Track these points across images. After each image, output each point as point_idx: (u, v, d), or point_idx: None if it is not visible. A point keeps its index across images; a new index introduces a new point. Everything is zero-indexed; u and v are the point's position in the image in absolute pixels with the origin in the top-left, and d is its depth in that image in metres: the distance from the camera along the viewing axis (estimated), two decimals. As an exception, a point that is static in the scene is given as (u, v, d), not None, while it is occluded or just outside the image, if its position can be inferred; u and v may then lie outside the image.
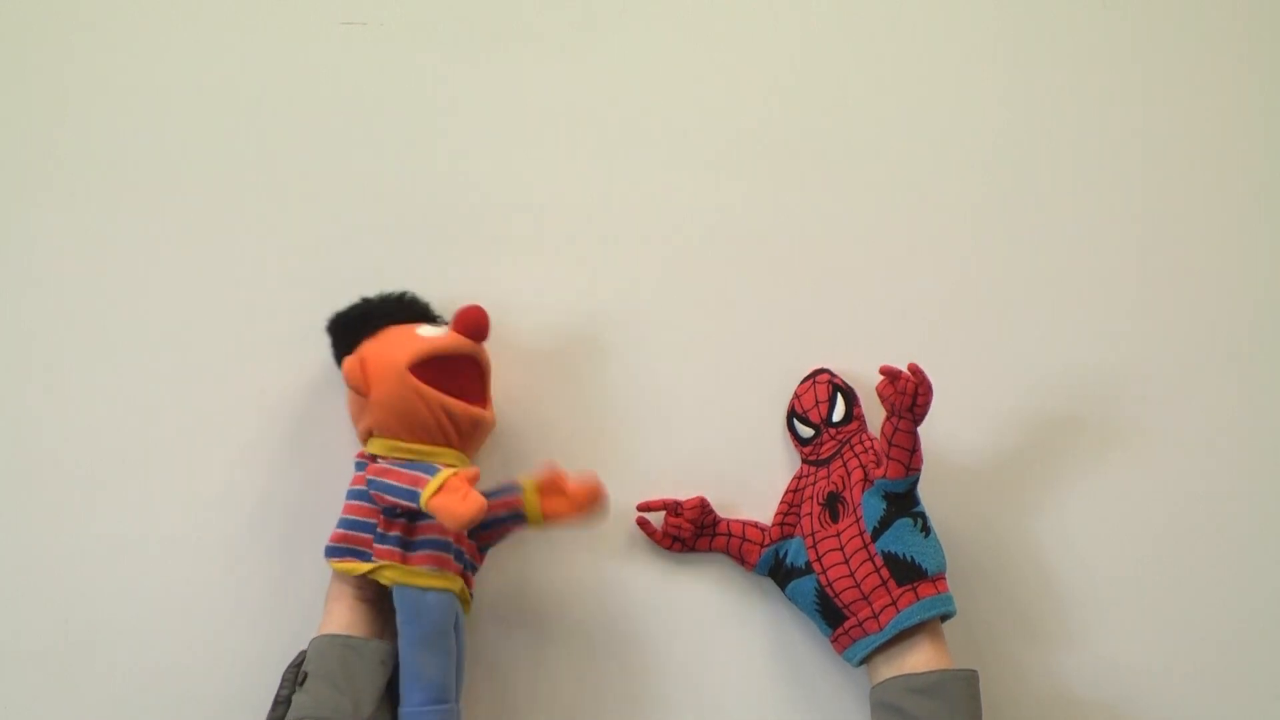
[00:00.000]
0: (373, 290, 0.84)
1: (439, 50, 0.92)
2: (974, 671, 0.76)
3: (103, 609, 0.83)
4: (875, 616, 0.77)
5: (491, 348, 0.83)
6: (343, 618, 0.76)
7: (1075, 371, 0.89)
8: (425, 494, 0.73)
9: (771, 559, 0.84)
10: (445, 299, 0.86)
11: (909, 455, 0.77)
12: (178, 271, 0.89)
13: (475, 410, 0.80)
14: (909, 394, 0.76)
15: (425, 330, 0.81)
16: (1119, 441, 0.88)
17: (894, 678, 0.76)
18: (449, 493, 0.73)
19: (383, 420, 0.79)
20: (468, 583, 0.81)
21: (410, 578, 0.76)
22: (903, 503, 0.79)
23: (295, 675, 0.74)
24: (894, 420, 0.77)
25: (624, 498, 0.85)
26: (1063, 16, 0.94)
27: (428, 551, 0.77)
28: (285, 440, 0.86)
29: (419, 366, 0.78)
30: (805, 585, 0.81)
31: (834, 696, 0.84)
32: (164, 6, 0.92)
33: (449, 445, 0.79)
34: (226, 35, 0.92)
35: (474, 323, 0.79)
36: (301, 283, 0.88)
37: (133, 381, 0.87)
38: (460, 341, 0.79)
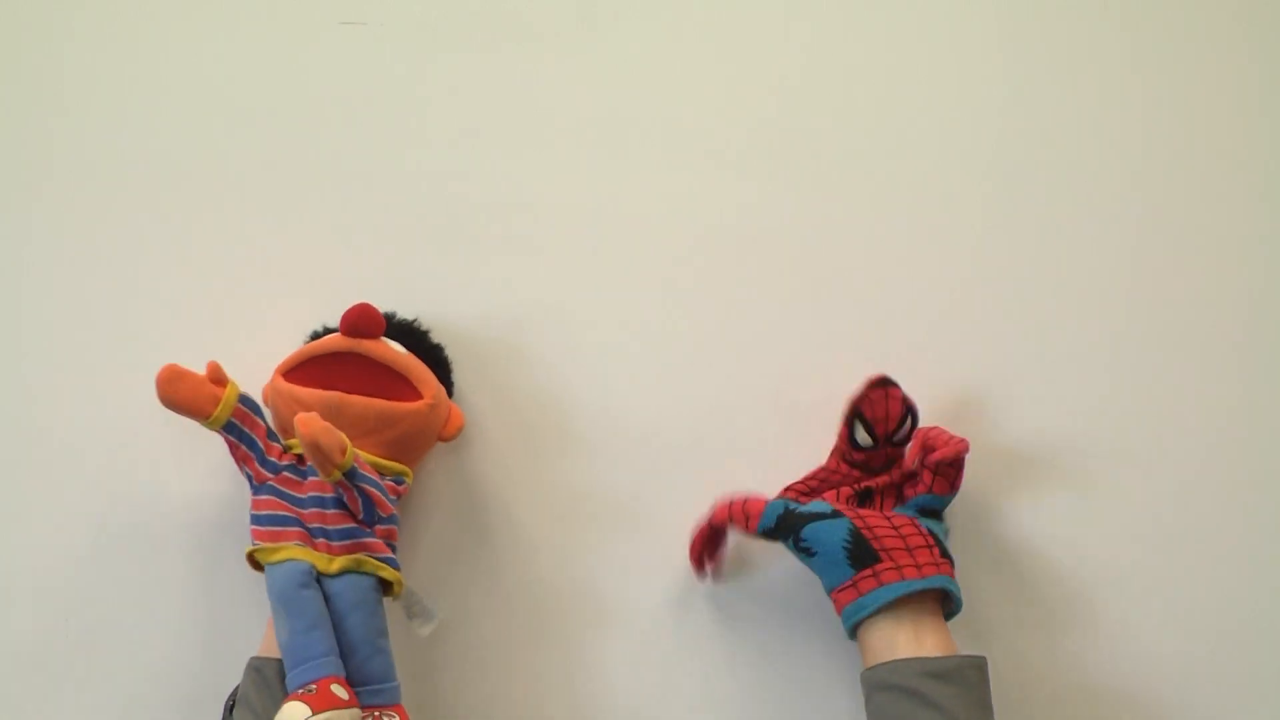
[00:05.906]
0: (368, 290, 0.84)
1: (439, 50, 0.93)
2: (984, 657, 0.74)
3: (103, 609, 0.83)
4: (917, 566, 0.75)
5: (487, 347, 0.82)
6: (269, 639, 0.76)
7: (1085, 364, 0.89)
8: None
9: (780, 509, 0.79)
10: (444, 299, 0.87)
11: (958, 475, 0.79)
12: (176, 272, 0.88)
13: (339, 398, 0.77)
14: (959, 468, 0.79)
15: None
16: (1127, 434, 0.88)
17: (906, 660, 0.73)
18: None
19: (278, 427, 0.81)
20: (366, 550, 0.76)
21: (265, 556, 0.75)
22: (934, 517, 0.80)
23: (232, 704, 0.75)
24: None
25: (619, 507, 0.86)
26: (1065, 18, 0.94)
27: (265, 527, 0.76)
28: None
29: (295, 372, 0.79)
30: (835, 526, 0.77)
31: (824, 702, 0.84)
32: (163, 6, 0.92)
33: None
34: (226, 35, 0.92)
35: (351, 322, 0.78)
36: (300, 283, 0.88)
37: (135, 381, 0.85)
38: (335, 341, 0.79)
